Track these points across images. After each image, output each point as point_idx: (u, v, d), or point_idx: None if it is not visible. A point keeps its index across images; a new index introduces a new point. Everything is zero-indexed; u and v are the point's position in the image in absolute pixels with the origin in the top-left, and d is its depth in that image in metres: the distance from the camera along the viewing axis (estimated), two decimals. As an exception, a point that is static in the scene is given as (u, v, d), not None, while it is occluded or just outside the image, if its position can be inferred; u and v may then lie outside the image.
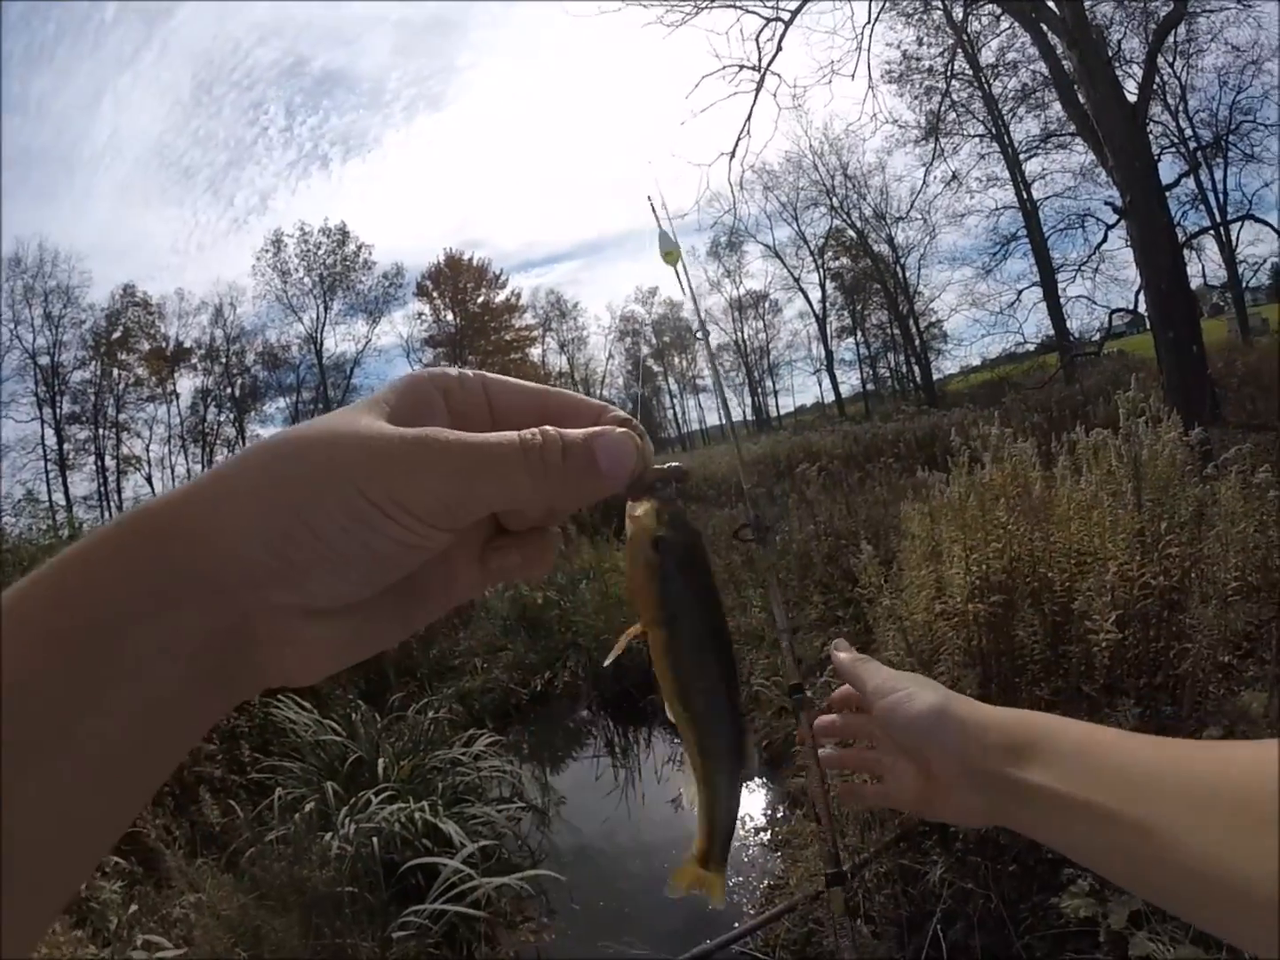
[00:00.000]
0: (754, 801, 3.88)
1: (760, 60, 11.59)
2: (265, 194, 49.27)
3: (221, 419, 33.52)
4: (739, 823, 3.67)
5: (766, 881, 3.19)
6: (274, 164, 55.14)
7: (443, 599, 0.34)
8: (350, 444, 0.28)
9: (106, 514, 29.05)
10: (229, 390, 32.97)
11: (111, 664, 0.25)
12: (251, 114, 48.18)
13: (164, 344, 31.82)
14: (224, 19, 53.49)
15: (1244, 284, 22.27)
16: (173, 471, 32.64)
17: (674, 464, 0.34)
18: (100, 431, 30.26)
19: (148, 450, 32.11)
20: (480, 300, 36.70)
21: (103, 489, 30.62)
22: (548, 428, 0.30)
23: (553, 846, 3.81)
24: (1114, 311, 14.73)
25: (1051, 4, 9.37)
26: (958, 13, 15.09)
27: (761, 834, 3.56)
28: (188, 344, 32.25)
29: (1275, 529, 3.12)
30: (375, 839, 3.18)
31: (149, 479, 32.21)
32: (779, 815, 3.61)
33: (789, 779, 3.65)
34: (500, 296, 37.39)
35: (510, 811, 3.81)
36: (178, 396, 32.21)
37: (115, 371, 30.67)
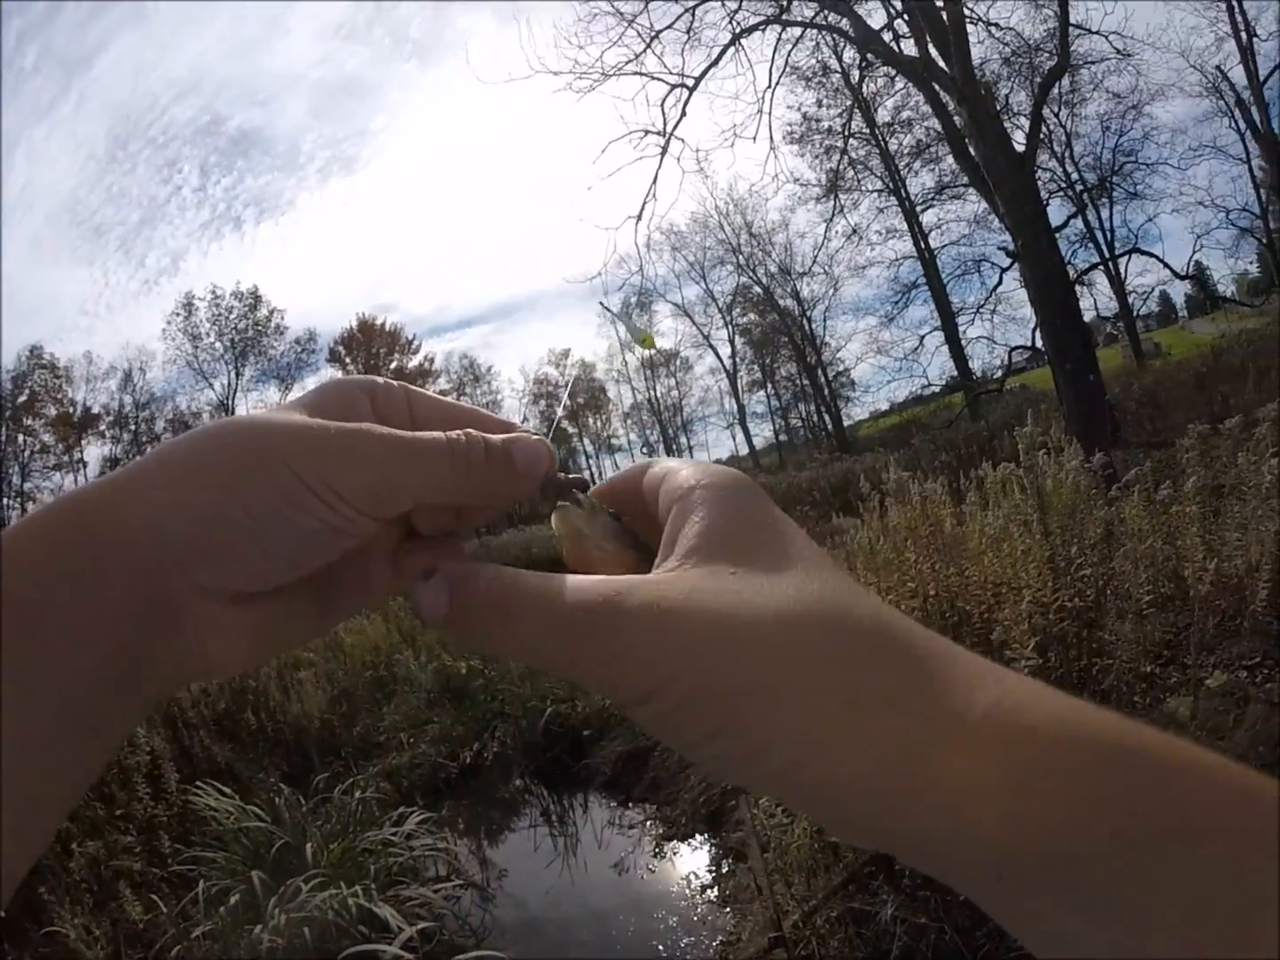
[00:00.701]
0: (697, 859, 3.80)
1: (665, 125, 12.03)
2: (177, 255, 48.60)
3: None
4: (685, 882, 3.60)
5: (719, 939, 3.11)
6: (186, 224, 53.99)
7: (358, 596, 0.35)
8: (283, 430, 0.29)
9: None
10: (137, 458, 31.86)
11: (26, 656, 0.24)
12: (166, 172, 47.55)
13: (71, 409, 30.74)
14: (142, 72, 52.92)
15: (1135, 313, 23.85)
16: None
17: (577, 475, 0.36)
18: (4, 501, 28.84)
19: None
20: (394, 366, 36.73)
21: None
22: (470, 430, 0.32)
23: (496, 923, 3.66)
24: (1013, 349, 15.61)
25: (942, 64, 10.00)
26: (854, 75, 16.01)
27: (708, 891, 3.48)
28: (96, 409, 31.22)
29: (1182, 540, 3.27)
30: (308, 929, 3.01)
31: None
32: (724, 871, 3.54)
33: (730, 834, 3.59)
34: (414, 362, 37.55)
35: (448, 890, 3.65)
36: (85, 465, 31.15)
37: (20, 437, 29.40)
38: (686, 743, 0.27)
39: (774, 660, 0.25)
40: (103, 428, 31.26)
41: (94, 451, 31.01)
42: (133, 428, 31.40)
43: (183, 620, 0.28)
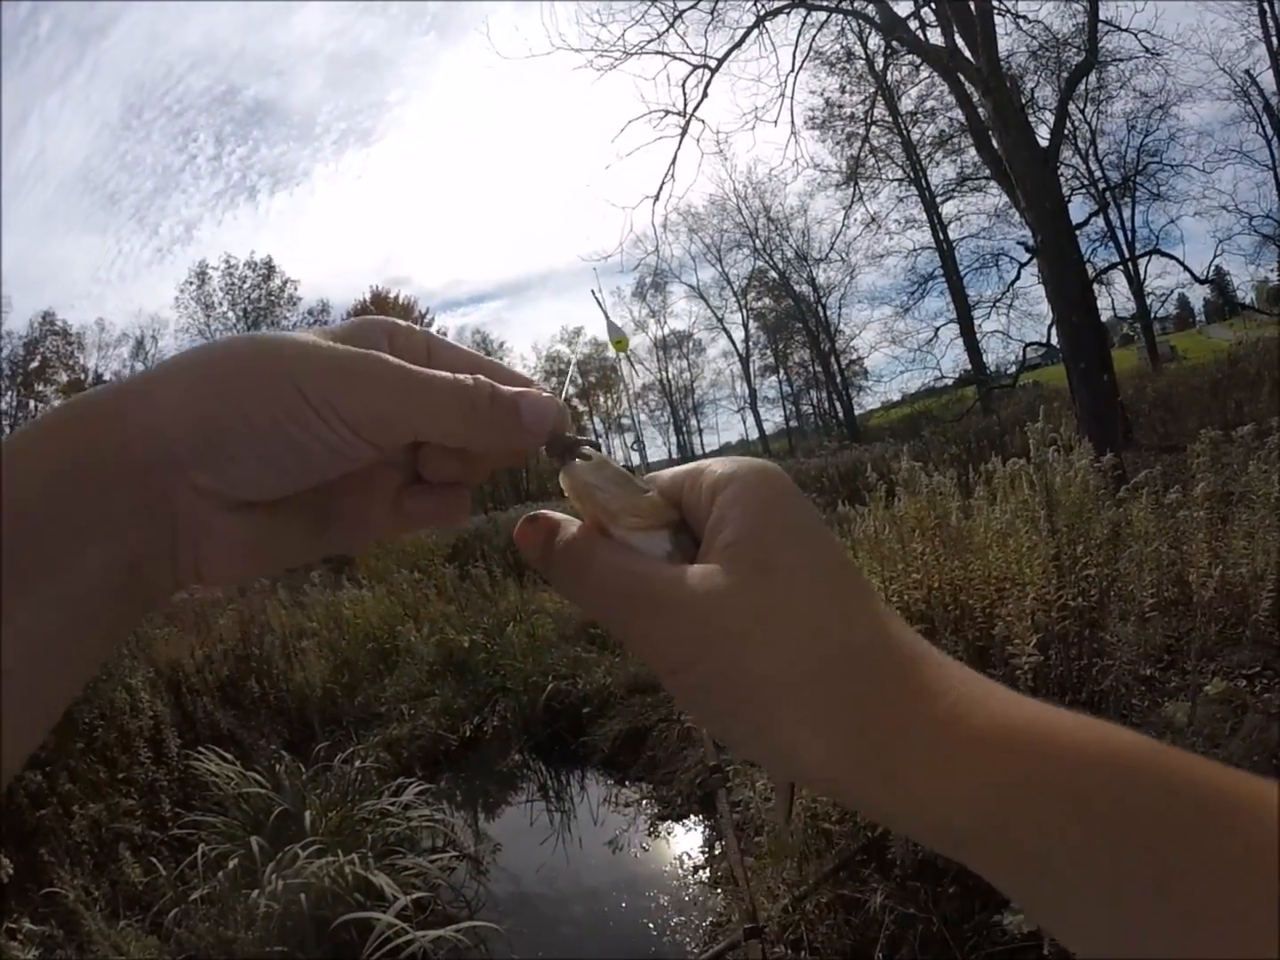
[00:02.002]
0: (691, 839, 3.84)
1: (686, 106, 11.94)
2: (191, 224, 48.10)
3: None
4: (678, 862, 3.63)
5: (709, 919, 3.14)
6: (201, 193, 53.24)
7: (354, 531, 0.36)
8: (293, 347, 0.30)
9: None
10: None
11: (32, 553, 0.25)
12: (180, 141, 46.91)
13: (83, 376, 30.71)
14: (157, 42, 52.55)
15: (1152, 314, 23.59)
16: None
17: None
18: (16, 465, 28.97)
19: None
20: (405, 340, 36.41)
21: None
22: (481, 376, 0.33)
23: (489, 895, 3.69)
24: (1028, 345, 15.50)
25: (968, 55, 9.88)
26: (879, 62, 15.82)
27: (700, 871, 3.51)
28: (107, 376, 31.16)
29: (1188, 545, 3.26)
30: (304, 895, 3.04)
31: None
32: (716, 852, 3.57)
33: (722, 816, 3.62)
34: (425, 336, 37.19)
35: (444, 861, 3.69)
36: (96, 430, 31.08)
37: (32, 403, 29.44)
38: (702, 716, 0.33)
39: (780, 661, 0.29)
40: (114, 394, 31.41)
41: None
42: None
43: (179, 525, 0.29)
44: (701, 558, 0.32)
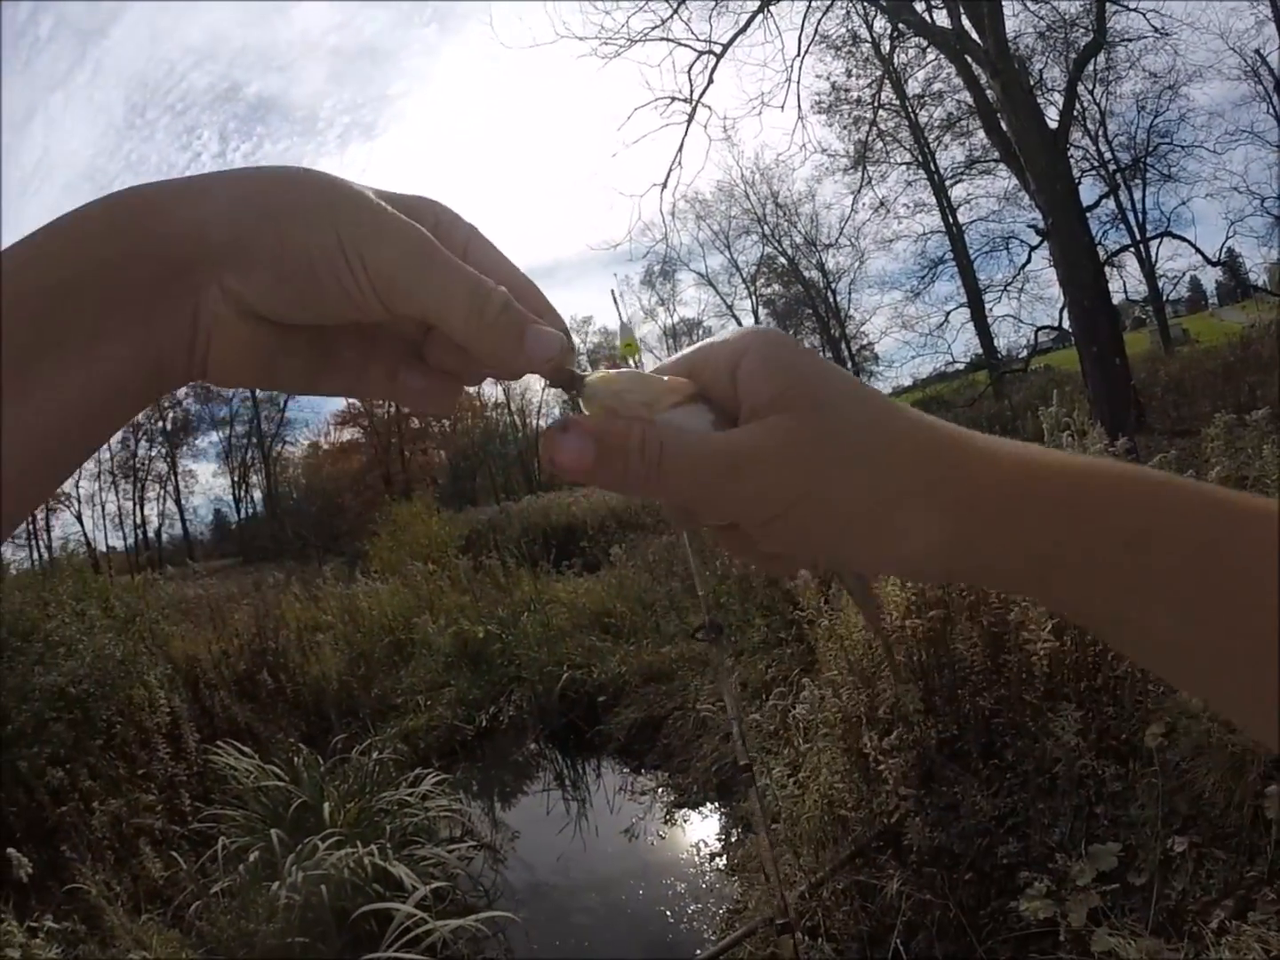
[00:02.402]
0: (708, 827, 3.85)
1: (692, 92, 11.84)
2: (198, 223, 48.12)
3: (153, 454, 32.78)
4: (695, 850, 3.65)
5: (725, 907, 3.16)
6: (206, 192, 53.58)
7: (350, 381, 0.36)
8: (347, 191, 0.31)
9: (35, 551, 28.15)
10: (160, 424, 32.33)
11: (70, 328, 0.27)
12: (185, 139, 47.03)
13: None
14: (158, 40, 52.26)
15: (1164, 297, 23.28)
16: (103, 508, 31.66)
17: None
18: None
19: (77, 486, 31.26)
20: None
21: (31, 525, 29.42)
22: (503, 288, 0.33)
23: (507, 885, 3.73)
24: (1039, 329, 15.32)
25: (975, 36, 9.77)
26: (885, 45, 15.66)
27: (717, 859, 3.53)
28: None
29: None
30: (324, 886, 3.07)
31: (79, 516, 31.25)
32: (733, 840, 3.59)
33: (740, 803, 3.63)
34: (432, 325, 37.28)
35: (461, 851, 3.72)
36: (107, 432, 31.28)
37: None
38: (802, 551, 0.37)
39: (868, 479, 0.33)
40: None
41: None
42: (164, 391, 31.77)
43: (200, 319, 0.30)
44: (750, 418, 0.35)
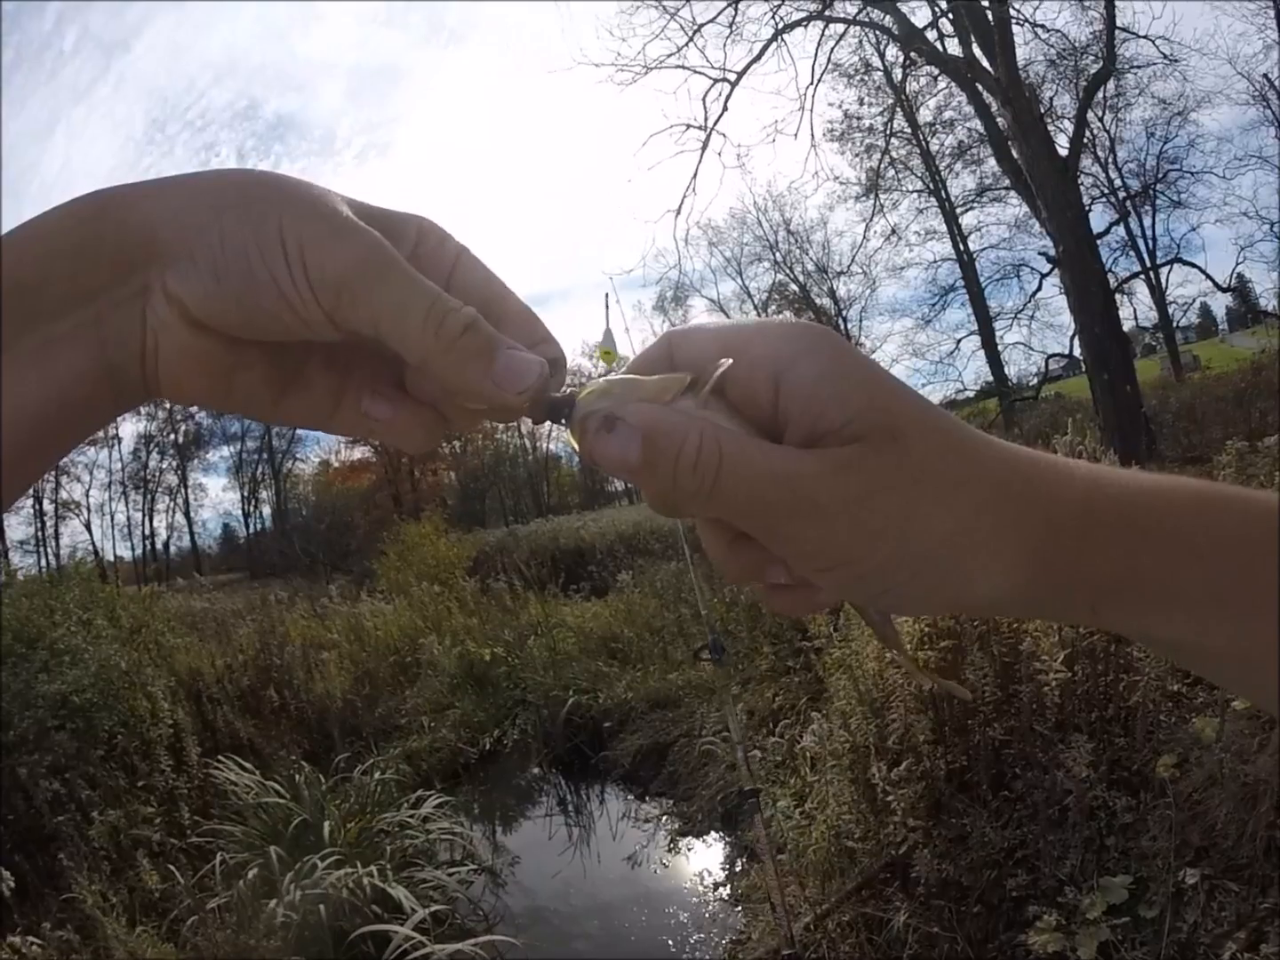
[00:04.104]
0: (711, 856, 3.80)
1: (707, 120, 11.96)
2: (215, 239, 48.82)
3: (164, 466, 33.01)
4: (698, 879, 3.60)
5: (729, 937, 3.11)
6: (225, 210, 54.34)
7: (317, 408, 0.33)
8: (300, 189, 0.29)
9: (44, 559, 28.32)
10: (172, 437, 32.56)
11: (20, 329, 0.27)
12: (204, 155, 47.55)
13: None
14: (179, 56, 53.23)
15: (1175, 324, 23.29)
16: (113, 518, 31.85)
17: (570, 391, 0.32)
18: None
19: (87, 496, 31.53)
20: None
21: (40, 534, 29.80)
22: (472, 308, 0.30)
23: (507, 909, 3.68)
24: (1050, 356, 15.36)
25: (986, 65, 9.85)
26: (897, 74, 15.80)
27: (721, 889, 3.48)
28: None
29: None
30: (322, 906, 3.05)
31: (88, 525, 31.40)
32: (737, 869, 3.54)
33: (745, 832, 3.59)
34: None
35: (462, 874, 3.68)
36: (120, 441, 31.60)
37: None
38: (872, 589, 0.32)
39: (945, 525, 0.30)
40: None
41: (129, 429, 31.50)
42: (168, 406, 31.82)
43: (149, 321, 0.29)
44: (810, 442, 0.30)
